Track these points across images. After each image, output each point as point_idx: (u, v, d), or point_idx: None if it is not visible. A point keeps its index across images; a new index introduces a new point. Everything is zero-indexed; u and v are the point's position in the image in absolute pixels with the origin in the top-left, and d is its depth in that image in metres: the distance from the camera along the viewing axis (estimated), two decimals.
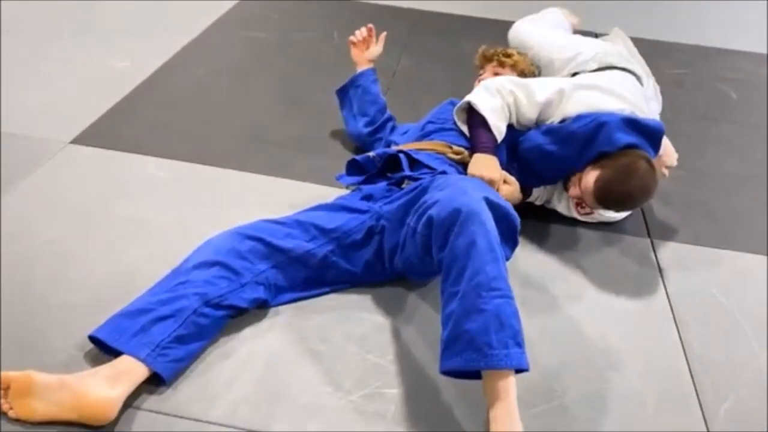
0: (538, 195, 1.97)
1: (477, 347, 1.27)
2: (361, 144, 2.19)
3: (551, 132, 1.82)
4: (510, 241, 1.56)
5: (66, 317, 1.47)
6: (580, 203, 1.90)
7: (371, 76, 2.20)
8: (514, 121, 1.90)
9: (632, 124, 1.75)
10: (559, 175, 1.89)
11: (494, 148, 1.84)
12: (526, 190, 1.91)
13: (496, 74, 2.12)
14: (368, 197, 1.74)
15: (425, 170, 1.76)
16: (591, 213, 1.91)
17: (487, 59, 2.23)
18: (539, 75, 2.24)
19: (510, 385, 1.28)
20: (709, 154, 2.45)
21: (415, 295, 1.65)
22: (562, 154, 1.80)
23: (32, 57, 2.67)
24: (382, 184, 1.78)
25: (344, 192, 1.87)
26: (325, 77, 2.23)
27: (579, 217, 1.95)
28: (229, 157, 2.13)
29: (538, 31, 2.44)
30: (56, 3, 3.20)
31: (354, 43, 2.22)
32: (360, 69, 2.21)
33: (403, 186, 1.75)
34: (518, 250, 1.81)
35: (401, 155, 1.79)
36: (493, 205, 1.44)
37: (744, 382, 1.50)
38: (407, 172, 1.75)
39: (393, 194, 1.71)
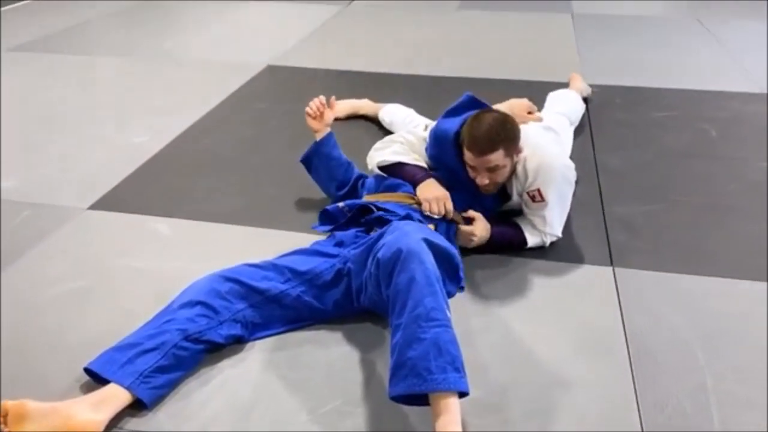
0: (540, 239, 2.11)
1: (418, 373, 1.41)
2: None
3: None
4: (453, 279, 1.74)
5: (69, 354, 1.67)
6: (532, 196, 2.04)
7: (331, 141, 2.28)
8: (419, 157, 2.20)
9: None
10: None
11: (428, 174, 2.10)
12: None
13: None
14: (340, 243, 1.92)
15: (391, 215, 1.94)
16: (542, 201, 2.03)
17: None
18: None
19: (452, 405, 1.41)
20: (684, 187, 2.55)
21: (381, 328, 1.79)
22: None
23: (64, 137, 3.01)
24: (352, 231, 1.95)
25: (322, 238, 2.05)
26: None
27: (543, 208, 2.04)
28: (226, 214, 2.35)
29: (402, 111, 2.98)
30: (95, 91, 3.60)
31: (312, 116, 2.26)
32: (319, 136, 2.28)
33: (371, 233, 1.91)
34: (482, 280, 1.97)
35: (371, 205, 1.97)
36: (432, 245, 1.63)
37: (686, 395, 1.57)
38: (378, 213, 1.93)
39: (360, 240, 1.88)
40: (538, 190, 2.03)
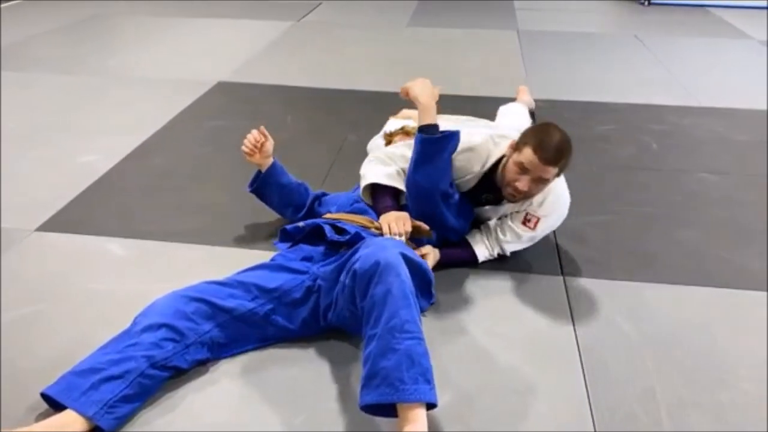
0: (492, 248, 2.15)
1: (390, 382, 1.44)
2: None
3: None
4: (426, 294, 1.76)
5: (22, 381, 1.63)
6: (526, 220, 2.09)
7: (277, 170, 2.22)
8: None
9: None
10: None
11: (395, 208, 2.04)
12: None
13: None
14: (308, 258, 1.90)
15: (348, 236, 1.90)
16: (538, 220, 2.07)
17: (393, 135, 2.48)
18: None
19: (421, 416, 1.43)
20: (629, 198, 2.66)
21: (348, 345, 1.80)
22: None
23: (7, 158, 2.91)
24: (321, 248, 1.94)
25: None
26: (278, 158, 2.32)
27: (534, 233, 2.10)
28: (181, 233, 2.33)
29: None
30: (38, 110, 3.51)
31: (250, 153, 2.17)
32: (264, 168, 2.21)
33: (340, 250, 1.89)
34: (439, 293, 2.00)
35: (326, 226, 1.93)
36: (408, 260, 1.64)
37: (636, 399, 1.64)
38: (333, 237, 1.90)
39: (330, 258, 1.87)
40: (538, 220, 2.08)
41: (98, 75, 4.11)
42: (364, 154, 2.96)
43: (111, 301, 1.96)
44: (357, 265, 1.61)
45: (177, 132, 3.24)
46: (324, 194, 2.33)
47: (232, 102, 3.69)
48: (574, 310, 1.96)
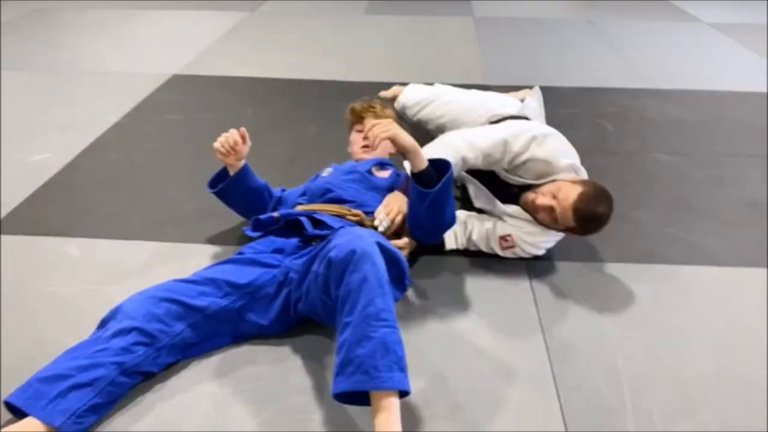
0: (460, 242, 2.16)
1: (365, 370, 1.43)
2: None
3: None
4: (399, 284, 1.75)
5: None
6: (504, 237, 2.09)
7: (247, 173, 2.14)
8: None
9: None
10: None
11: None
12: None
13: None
14: (280, 251, 1.87)
15: (326, 229, 1.88)
16: (512, 247, 2.10)
17: (359, 114, 2.45)
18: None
19: (394, 404, 1.44)
20: None
21: (325, 338, 1.79)
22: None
23: None
24: (293, 240, 1.90)
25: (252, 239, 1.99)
26: None
27: (500, 253, 2.12)
28: (140, 231, 2.28)
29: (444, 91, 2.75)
30: None
31: (225, 154, 2.05)
32: (233, 171, 2.12)
33: (313, 244, 1.86)
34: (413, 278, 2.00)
35: (304, 219, 1.91)
36: (384, 249, 1.64)
37: (600, 376, 1.68)
38: (311, 231, 1.87)
39: (303, 250, 1.84)
40: (513, 248, 2.09)
41: (48, 71, 3.99)
42: (326, 145, 2.98)
43: (68, 303, 1.91)
44: (332, 254, 1.59)
45: (132, 127, 3.17)
46: (283, 190, 2.31)
47: (188, 95, 3.62)
48: (537, 291, 2.00)
